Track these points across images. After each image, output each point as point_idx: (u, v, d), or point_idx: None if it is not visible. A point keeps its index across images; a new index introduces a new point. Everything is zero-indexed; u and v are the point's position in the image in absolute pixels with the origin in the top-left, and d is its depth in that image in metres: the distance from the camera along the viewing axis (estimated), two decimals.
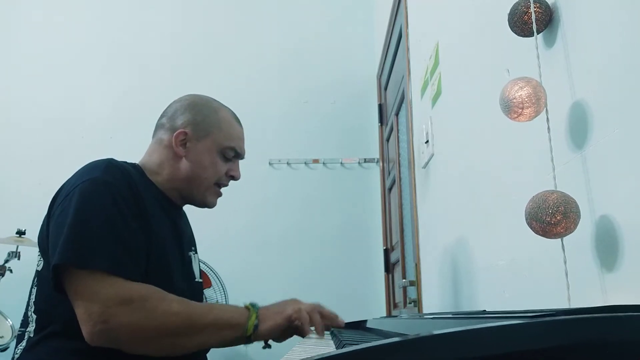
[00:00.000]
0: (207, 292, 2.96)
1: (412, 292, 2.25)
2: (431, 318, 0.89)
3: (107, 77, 3.57)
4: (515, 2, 0.91)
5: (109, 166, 1.12)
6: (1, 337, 2.75)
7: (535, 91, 0.80)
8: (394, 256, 2.94)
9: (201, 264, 1.41)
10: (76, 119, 3.50)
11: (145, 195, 1.14)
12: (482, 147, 1.31)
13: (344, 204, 3.40)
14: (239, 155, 1.30)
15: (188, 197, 1.27)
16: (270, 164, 3.44)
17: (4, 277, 2.79)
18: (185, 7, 3.70)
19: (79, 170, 1.14)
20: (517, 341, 0.32)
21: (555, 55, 0.89)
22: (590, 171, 0.79)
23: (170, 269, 1.15)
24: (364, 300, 3.20)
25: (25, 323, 1.14)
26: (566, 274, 0.77)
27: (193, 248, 1.33)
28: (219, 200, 1.31)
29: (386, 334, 0.97)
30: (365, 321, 1.48)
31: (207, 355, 1.26)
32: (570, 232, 0.74)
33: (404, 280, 2.35)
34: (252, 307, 1.10)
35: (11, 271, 2.83)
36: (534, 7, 0.87)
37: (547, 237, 0.75)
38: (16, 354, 1.12)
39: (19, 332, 1.15)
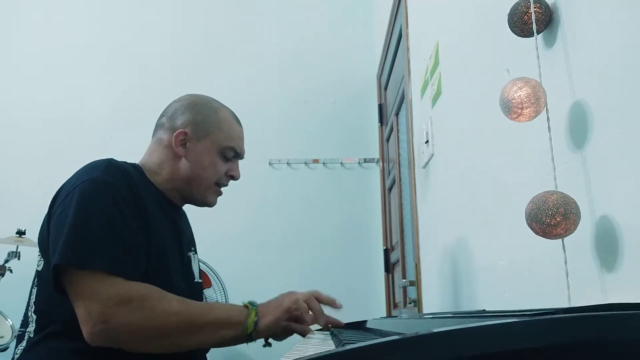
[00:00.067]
0: (207, 292, 2.96)
1: (412, 292, 2.25)
2: (431, 318, 0.89)
3: (107, 77, 3.56)
4: (515, 2, 0.91)
5: (109, 166, 1.12)
6: (1, 337, 2.75)
7: (535, 91, 0.80)
8: (394, 256, 2.94)
9: (201, 264, 1.41)
10: (76, 119, 3.50)
11: (145, 196, 1.14)
12: (482, 147, 1.31)
13: (344, 204, 3.40)
14: (238, 155, 1.30)
15: (188, 197, 1.27)
16: (270, 164, 3.44)
17: (4, 277, 2.79)
18: (185, 7, 3.70)
19: (79, 170, 1.14)
20: (517, 339, 0.32)
21: (555, 55, 0.90)
22: (590, 171, 0.79)
23: (169, 269, 1.15)
24: (364, 300, 3.20)
25: (25, 323, 1.14)
26: (566, 274, 0.77)
27: (193, 248, 1.33)
28: (219, 200, 1.32)
29: (386, 334, 0.97)
30: (365, 321, 1.47)
31: (207, 355, 1.26)
32: (571, 233, 0.74)
33: (404, 280, 2.35)
34: (250, 305, 1.11)
35: (11, 271, 2.83)
36: (534, 7, 0.87)
37: (547, 238, 0.75)
38: (16, 354, 1.12)
39: (19, 332, 1.15)
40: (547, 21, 0.90)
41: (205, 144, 1.24)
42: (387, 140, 3.16)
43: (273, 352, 1.18)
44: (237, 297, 2.93)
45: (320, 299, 1.17)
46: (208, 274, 3.01)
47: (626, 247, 0.70)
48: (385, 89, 3.18)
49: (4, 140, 3.47)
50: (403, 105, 2.51)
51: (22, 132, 3.48)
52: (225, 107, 1.31)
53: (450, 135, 1.63)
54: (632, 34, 0.70)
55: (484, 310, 1.09)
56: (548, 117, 0.83)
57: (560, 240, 0.77)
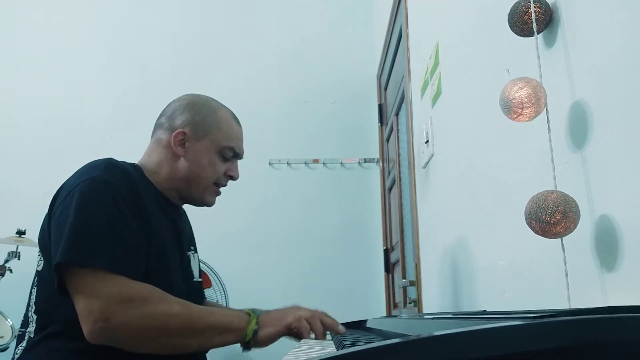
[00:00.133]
0: (207, 292, 2.96)
1: (412, 292, 2.25)
2: (431, 318, 0.89)
3: (107, 77, 3.56)
4: (515, 2, 0.91)
5: (109, 166, 1.12)
6: (1, 337, 2.75)
7: (535, 91, 0.80)
8: (394, 256, 2.94)
9: (201, 264, 1.41)
10: (76, 119, 3.50)
11: (145, 195, 1.14)
12: (482, 147, 1.31)
13: (344, 204, 3.40)
14: (237, 155, 1.30)
15: (186, 197, 1.27)
16: (270, 164, 3.44)
17: (4, 277, 2.79)
18: (185, 7, 3.70)
19: (78, 170, 1.14)
20: (518, 342, 0.32)
21: (555, 55, 0.89)
22: (590, 171, 0.79)
23: (169, 270, 1.15)
24: (364, 300, 3.20)
25: (25, 323, 1.14)
26: (566, 274, 0.77)
27: (192, 247, 1.33)
28: (219, 200, 1.32)
29: (386, 334, 0.97)
30: (365, 321, 1.48)
31: (207, 355, 1.26)
32: (570, 232, 0.74)
33: (404, 280, 2.35)
34: (252, 313, 1.10)
35: (11, 271, 2.83)
36: (534, 7, 0.87)
37: (546, 237, 0.75)
38: (16, 354, 1.12)
39: (20, 333, 1.15)
40: (547, 21, 0.90)
41: (204, 143, 1.24)
42: (387, 140, 3.16)
43: (273, 352, 1.18)
44: (237, 297, 2.95)
45: (324, 322, 1.13)
46: (208, 274, 3.01)
47: (626, 247, 0.70)
48: (385, 89, 3.18)
49: (4, 140, 3.48)
50: (403, 105, 2.51)
51: (22, 132, 3.48)
52: (225, 107, 1.31)
53: (450, 135, 1.63)
54: (632, 34, 0.70)
55: (485, 310, 1.09)
56: (548, 117, 0.83)
57: (560, 240, 0.77)
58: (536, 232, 0.75)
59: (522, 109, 0.80)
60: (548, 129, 0.82)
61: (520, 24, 0.90)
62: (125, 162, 1.20)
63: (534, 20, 0.87)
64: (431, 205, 1.88)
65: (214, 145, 1.25)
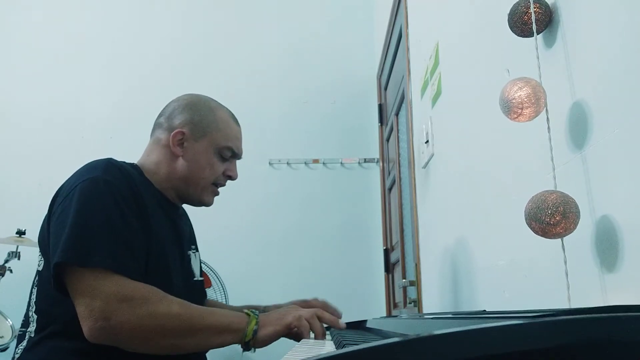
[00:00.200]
0: (207, 292, 2.96)
1: (412, 292, 2.25)
2: (431, 318, 0.89)
3: (107, 77, 3.57)
4: (515, 2, 0.91)
5: (109, 166, 1.12)
6: (1, 337, 2.75)
7: (535, 91, 0.80)
8: (394, 256, 2.94)
9: (201, 264, 1.41)
10: (76, 119, 3.50)
11: (145, 195, 1.14)
12: (482, 147, 1.31)
13: (344, 204, 3.40)
14: (236, 155, 1.30)
15: (184, 196, 1.27)
16: (270, 164, 3.44)
17: (4, 277, 2.79)
18: (185, 7, 3.70)
19: (78, 170, 1.14)
20: (517, 341, 0.32)
21: (555, 56, 0.89)
22: (590, 171, 0.79)
23: (169, 269, 1.15)
24: (364, 300, 3.20)
25: (26, 323, 1.14)
26: (566, 274, 0.77)
27: (193, 246, 1.33)
28: (220, 200, 1.32)
29: (386, 334, 0.97)
30: (365, 321, 1.48)
31: (207, 355, 1.26)
32: (570, 232, 0.74)
33: (404, 280, 2.35)
34: (252, 313, 1.10)
35: (11, 271, 2.83)
36: (534, 8, 0.87)
37: (546, 238, 0.75)
38: (17, 353, 1.12)
39: (20, 332, 1.15)
40: (547, 21, 0.90)
41: (202, 143, 1.24)
42: (387, 140, 3.16)
43: (273, 352, 1.18)
44: (237, 297, 2.95)
45: (323, 319, 1.14)
46: (208, 274, 3.01)
47: (626, 247, 0.70)
48: (385, 89, 3.18)
49: (4, 140, 3.48)
50: (403, 105, 2.51)
51: (22, 132, 3.48)
52: (223, 107, 1.31)
53: (450, 135, 1.63)
54: (632, 34, 0.70)
55: (484, 310, 1.09)
56: (548, 117, 0.83)
57: (560, 240, 0.77)
58: (536, 232, 0.75)
59: (522, 109, 0.80)
60: (548, 129, 0.82)
61: (520, 25, 0.90)
62: (124, 162, 1.20)
63: (533, 20, 0.87)
64: (431, 205, 1.88)
65: (213, 145, 1.25)
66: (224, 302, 2.99)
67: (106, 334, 1.00)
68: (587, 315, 0.33)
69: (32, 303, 1.14)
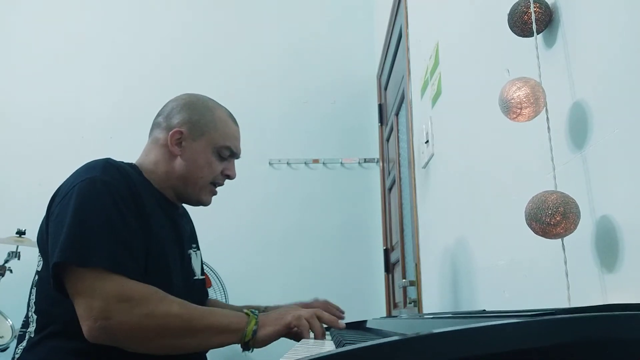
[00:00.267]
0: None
1: (412, 292, 2.25)
2: (431, 318, 0.89)
3: (107, 77, 3.57)
4: (515, 2, 0.91)
5: (107, 166, 1.12)
6: (1, 337, 2.75)
7: (534, 91, 0.80)
8: (394, 256, 2.94)
9: (202, 264, 1.41)
10: (76, 119, 3.50)
11: (144, 195, 1.14)
12: (482, 147, 1.31)
13: (344, 204, 3.40)
14: (234, 154, 1.30)
15: (182, 196, 1.27)
16: (270, 164, 3.44)
17: (4, 277, 2.79)
18: (185, 8, 3.70)
19: (76, 170, 1.14)
20: (517, 340, 0.32)
21: (555, 55, 0.89)
22: (590, 171, 0.79)
23: (169, 269, 1.15)
24: (364, 300, 3.20)
25: (26, 324, 1.14)
26: (566, 274, 0.77)
27: (194, 245, 1.33)
28: (220, 200, 1.32)
29: (386, 334, 0.97)
30: (365, 321, 1.48)
31: (207, 355, 1.26)
32: (570, 233, 0.74)
33: (404, 280, 2.34)
34: (252, 313, 1.10)
35: (11, 271, 2.83)
36: (534, 7, 0.87)
37: (546, 238, 0.75)
38: (16, 353, 1.12)
39: (20, 333, 1.15)
40: (547, 21, 0.90)
41: (200, 143, 1.24)
42: (387, 140, 3.16)
43: (273, 352, 1.18)
44: (237, 297, 2.95)
45: (323, 319, 1.14)
46: (208, 274, 3.01)
47: (626, 247, 0.70)
48: (385, 89, 3.18)
49: (4, 140, 3.48)
50: (403, 105, 2.51)
51: (22, 132, 3.48)
52: (222, 106, 1.31)
53: (450, 135, 1.63)
54: (632, 34, 0.70)
55: (484, 310, 1.09)
56: (548, 117, 0.83)
57: (560, 240, 0.77)
58: (536, 232, 0.75)
59: (521, 108, 0.80)
60: (548, 129, 0.82)
61: (520, 24, 0.90)
62: (123, 162, 1.20)
63: (533, 20, 0.87)
64: (431, 205, 1.88)
65: (211, 144, 1.25)
66: (225, 309, 2.98)
67: (106, 334, 1.00)
68: (586, 314, 0.33)
69: (32, 303, 1.14)
